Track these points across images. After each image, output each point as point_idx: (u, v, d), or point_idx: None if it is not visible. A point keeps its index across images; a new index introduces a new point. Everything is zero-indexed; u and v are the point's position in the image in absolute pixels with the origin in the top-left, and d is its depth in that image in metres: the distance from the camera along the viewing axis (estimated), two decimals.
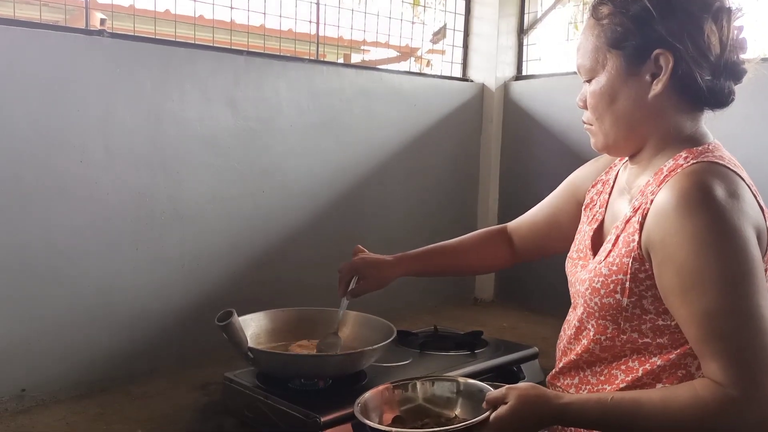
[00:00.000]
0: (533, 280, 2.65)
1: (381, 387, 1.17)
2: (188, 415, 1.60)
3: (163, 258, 1.88)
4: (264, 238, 2.11)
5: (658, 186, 1.00)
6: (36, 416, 1.60)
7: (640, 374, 1.04)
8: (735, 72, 1.02)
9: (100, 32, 1.76)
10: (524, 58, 2.87)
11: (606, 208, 1.18)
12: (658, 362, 1.02)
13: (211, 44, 2.05)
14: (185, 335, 1.93)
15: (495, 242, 1.50)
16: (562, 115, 2.60)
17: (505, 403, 1.01)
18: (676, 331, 1.00)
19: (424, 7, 2.87)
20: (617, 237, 1.06)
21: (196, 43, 2.01)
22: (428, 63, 3.30)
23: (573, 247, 1.24)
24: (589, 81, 1.09)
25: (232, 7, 2.11)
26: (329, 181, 2.27)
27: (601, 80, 1.06)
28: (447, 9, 2.84)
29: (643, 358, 1.04)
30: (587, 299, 1.08)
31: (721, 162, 0.99)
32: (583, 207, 1.26)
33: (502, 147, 2.81)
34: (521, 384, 1.04)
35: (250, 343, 1.46)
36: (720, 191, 0.93)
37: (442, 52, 3.02)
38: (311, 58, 2.30)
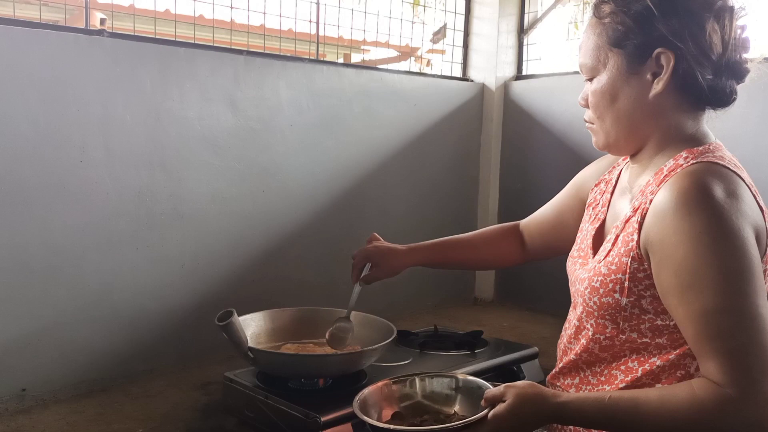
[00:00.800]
0: (533, 279, 2.65)
1: (380, 383, 1.18)
2: (188, 414, 1.60)
3: (163, 258, 1.88)
4: (264, 238, 2.11)
5: (658, 186, 1.00)
6: (36, 416, 1.60)
7: (639, 374, 1.04)
8: (737, 71, 1.02)
9: (100, 32, 1.76)
10: (524, 58, 2.87)
11: (608, 208, 1.18)
12: (658, 362, 1.02)
13: (211, 44, 2.05)
14: (185, 335, 1.93)
15: (508, 239, 1.51)
16: (562, 114, 2.60)
17: (504, 401, 1.01)
18: (674, 331, 1.00)
19: (424, 6, 2.87)
20: (617, 236, 1.06)
21: (196, 42, 2.01)
22: (428, 63, 3.30)
23: (574, 246, 1.24)
24: (590, 80, 1.09)
25: (232, 7, 2.11)
26: (329, 180, 2.27)
27: (602, 79, 1.06)
28: (447, 9, 2.84)
29: (642, 359, 1.04)
30: (586, 298, 1.08)
31: (721, 162, 0.99)
32: (586, 206, 1.26)
33: (502, 147, 2.81)
34: (519, 382, 1.04)
35: (250, 343, 1.46)
36: (719, 191, 0.93)
37: (442, 52, 3.02)
38: (311, 57, 2.30)
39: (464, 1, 2.86)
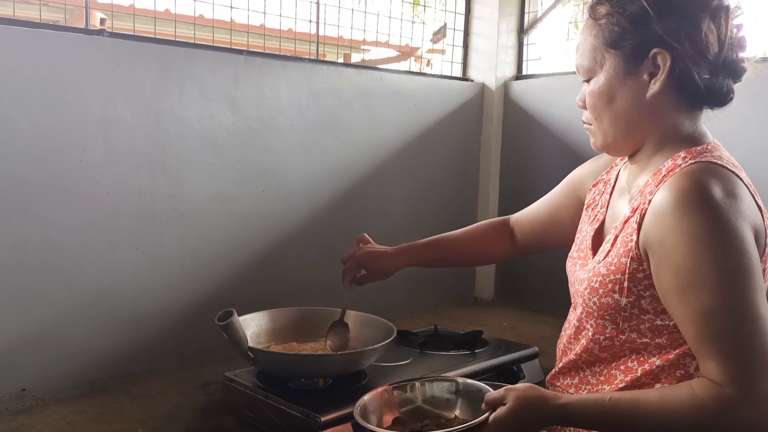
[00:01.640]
0: (533, 279, 2.65)
1: (380, 389, 1.18)
2: (188, 414, 1.60)
3: (163, 258, 1.88)
4: (264, 238, 2.11)
5: (657, 186, 1.00)
6: (36, 415, 1.60)
7: (639, 374, 1.04)
8: (734, 70, 1.02)
9: (100, 32, 1.76)
10: (524, 58, 2.87)
11: (607, 209, 1.18)
12: (657, 362, 1.02)
13: (211, 44, 2.05)
14: (185, 335, 1.93)
15: (497, 234, 1.51)
16: (562, 114, 2.60)
17: (504, 404, 1.01)
18: (674, 331, 1.00)
19: (424, 6, 2.87)
20: (616, 237, 1.06)
21: (196, 42, 2.01)
22: (428, 62, 3.30)
23: (574, 247, 1.24)
24: (587, 81, 1.09)
25: (232, 7, 2.11)
26: (329, 180, 2.27)
27: (599, 80, 1.07)
28: (447, 8, 2.84)
29: (642, 359, 1.04)
30: (586, 299, 1.08)
31: (719, 162, 0.99)
32: (585, 206, 1.26)
33: (502, 146, 2.81)
34: (520, 385, 1.04)
35: (250, 343, 1.46)
36: (717, 191, 0.93)
37: (442, 52, 3.02)
38: (311, 57, 2.30)
39: (464, 1, 2.86)
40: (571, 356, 1.15)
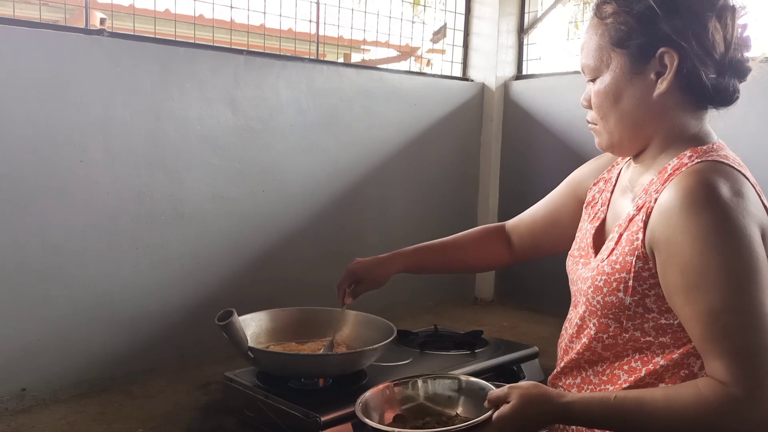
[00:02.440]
0: (533, 279, 2.65)
1: (381, 386, 1.17)
2: (188, 414, 1.60)
3: (163, 258, 1.88)
4: (264, 238, 2.11)
5: (662, 184, 1.00)
6: (36, 415, 1.60)
7: (642, 374, 1.04)
8: (739, 70, 1.02)
9: (100, 32, 1.76)
10: (524, 58, 2.87)
11: (608, 207, 1.18)
12: (661, 362, 1.02)
13: (211, 44, 2.05)
14: (185, 335, 1.93)
15: (492, 240, 1.49)
16: (562, 114, 2.60)
17: (508, 402, 1.01)
18: (678, 330, 1.00)
19: (424, 6, 2.87)
20: (620, 235, 1.05)
21: (196, 42, 2.01)
22: (428, 62, 3.30)
23: (574, 245, 1.23)
24: (593, 80, 1.09)
25: (232, 7, 2.11)
26: (329, 180, 2.27)
27: (605, 79, 1.06)
28: (447, 8, 2.84)
29: (645, 358, 1.04)
30: (589, 297, 1.08)
31: (725, 161, 0.99)
32: (584, 205, 1.26)
33: (503, 146, 2.81)
34: (523, 383, 1.04)
35: (250, 343, 1.46)
36: (725, 190, 0.93)
37: (443, 52, 3.02)
38: (311, 57, 2.30)
39: (464, 1, 2.86)
40: (573, 355, 1.15)
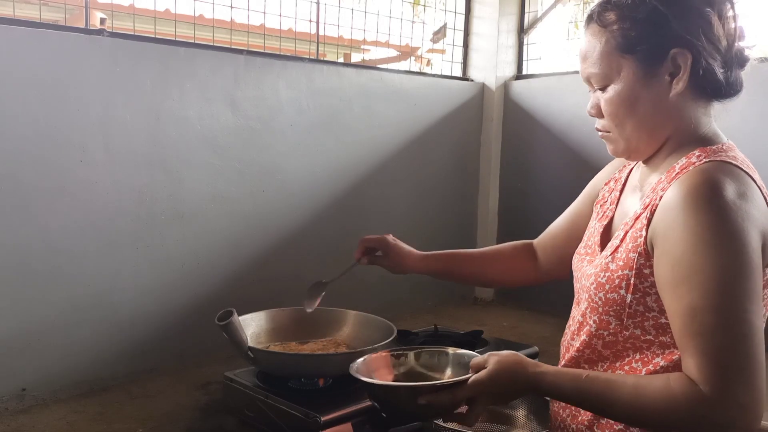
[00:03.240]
0: None
1: (378, 353, 1.24)
2: (188, 414, 1.60)
3: (163, 258, 1.88)
4: (264, 238, 2.11)
5: (669, 183, 1.00)
6: (36, 415, 1.60)
7: (643, 375, 1.03)
8: (741, 60, 1.03)
9: (100, 32, 1.76)
10: (524, 58, 2.87)
11: (616, 205, 1.18)
12: (662, 363, 1.02)
13: (211, 44, 2.05)
14: (185, 335, 1.93)
15: (520, 255, 1.47)
16: (562, 114, 2.60)
17: (485, 368, 1.03)
18: None
19: (425, 6, 2.87)
20: (626, 233, 1.05)
21: (196, 42, 2.01)
22: (428, 62, 3.30)
23: (581, 243, 1.23)
24: (602, 89, 1.08)
25: (232, 7, 2.11)
26: (329, 180, 2.27)
27: (617, 87, 1.05)
28: (447, 8, 2.84)
29: (646, 359, 1.04)
30: (592, 294, 1.08)
31: (734, 162, 0.99)
32: (595, 203, 1.26)
33: (503, 146, 2.81)
34: (504, 351, 1.06)
35: (251, 343, 1.46)
36: (730, 191, 0.93)
37: (443, 52, 3.02)
38: (311, 57, 2.30)
39: (464, 1, 2.86)
40: (573, 352, 1.15)
